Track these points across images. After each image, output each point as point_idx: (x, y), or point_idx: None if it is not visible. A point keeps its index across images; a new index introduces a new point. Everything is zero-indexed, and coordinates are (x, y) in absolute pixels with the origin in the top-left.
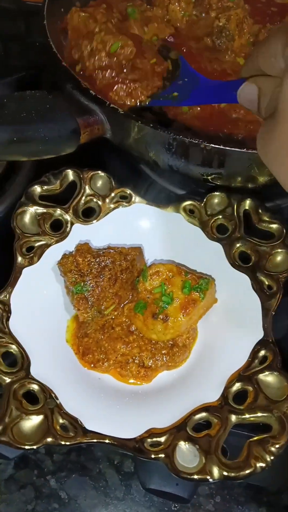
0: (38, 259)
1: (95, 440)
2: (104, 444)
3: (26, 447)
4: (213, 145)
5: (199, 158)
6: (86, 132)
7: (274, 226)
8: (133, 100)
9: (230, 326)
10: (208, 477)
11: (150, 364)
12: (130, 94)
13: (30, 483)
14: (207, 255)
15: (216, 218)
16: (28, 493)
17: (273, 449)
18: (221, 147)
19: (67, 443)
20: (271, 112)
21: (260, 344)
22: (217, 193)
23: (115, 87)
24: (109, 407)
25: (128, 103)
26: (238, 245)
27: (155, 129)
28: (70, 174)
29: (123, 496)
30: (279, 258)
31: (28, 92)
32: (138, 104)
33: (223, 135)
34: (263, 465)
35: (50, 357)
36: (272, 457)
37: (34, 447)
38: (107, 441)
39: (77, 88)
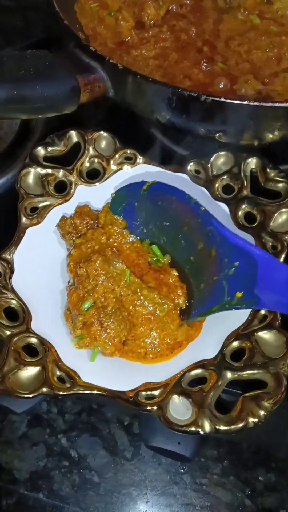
0: (42, 219)
1: (88, 391)
2: (106, 400)
3: (23, 396)
4: (212, 98)
5: (200, 113)
6: (86, 90)
7: (281, 185)
8: None
9: None
10: (199, 430)
11: None
12: None
13: (42, 441)
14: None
15: (222, 178)
16: (40, 450)
17: (267, 404)
18: (221, 99)
19: (63, 393)
20: None
21: None
22: (223, 153)
23: None
24: (108, 363)
25: None
26: (243, 205)
27: (154, 83)
28: (74, 135)
29: (131, 457)
30: (284, 217)
31: (29, 51)
32: None
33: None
34: (256, 420)
35: (52, 313)
36: (265, 413)
37: (30, 396)
38: (101, 392)
39: (78, 46)
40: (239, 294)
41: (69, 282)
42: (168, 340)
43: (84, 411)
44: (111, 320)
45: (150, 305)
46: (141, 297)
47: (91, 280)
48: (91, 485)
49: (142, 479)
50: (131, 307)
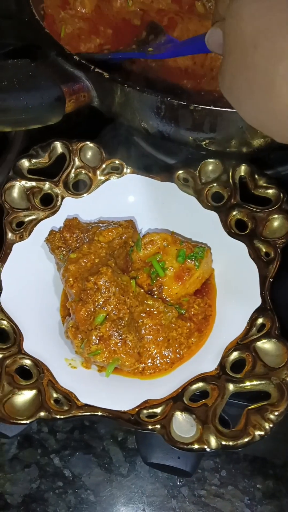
0: (29, 234)
1: (89, 413)
2: (105, 420)
3: (20, 422)
4: (202, 106)
5: (190, 121)
6: (71, 100)
7: (271, 191)
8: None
9: (227, 296)
10: (206, 447)
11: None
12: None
13: (34, 462)
14: (203, 224)
15: (211, 186)
16: (33, 472)
17: (272, 416)
18: (211, 107)
19: (61, 417)
20: None
21: (258, 312)
22: (211, 160)
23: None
24: (106, 381)
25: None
26: (234, 212)
27: (142, 92)
28: (59, 146)
29: (127, 473)
30: (276, 223)
31: (10, 61)
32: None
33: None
34: (262, 433)
35: (44, 332)
36: (271, 425)
37: (27, 421)
38: (101, 413)
39: (61, 54)
40: None
41: (69, 298)
42: (170, 353)
43: (76, 429)
44: (129, 331)
45: (157, 315)
46: (148, 308)
47: (103, 292)
48: (87, 504)
49: (139, 495)
50: (140, 320)
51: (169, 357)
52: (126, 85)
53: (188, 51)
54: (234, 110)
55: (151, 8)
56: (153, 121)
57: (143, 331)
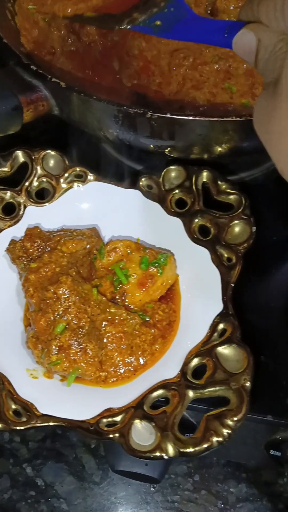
0: None
1: (46, 424)
2: (65, 430)
3: None
4: (159, 115)
5: (148, 129)
6: (29, 109)
7: (233, 197)
8: None
9: (191, 302)
10: (164, 454)
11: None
12: None
13: (5, 472)
14: (167, 231)
15: (174, 192)
16: (4, 482)
17: (230, 422)
18: (167, 115)
19: (20, 428)
20: (272, 79)
21: (220, 317)
22: (174, 167)
23: None
24: (68, 390)
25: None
26: (197, 219)
27: (99, 101)
28: (20, 155)
29: (100, 480)
30: (237, 229)
31: None
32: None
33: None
34: (220, 439)
35: (6, 342)
36: (229, 431)
37: None
38: (60, 423)
39: (19, 64)
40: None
41: (30, 308)
42: (133, 360)
43: (48, 438)
44: (89, 340)
45: (119, 322)
46: (111, 316)
47: (63, 301)
48: None
49: (112, 502)
50: (102, 328)
51: (132, 364)
52: (82, 94)
53: (201, 37)
54: (191, 118)
55: None
56: (112, 129)
57: (105, 339)
